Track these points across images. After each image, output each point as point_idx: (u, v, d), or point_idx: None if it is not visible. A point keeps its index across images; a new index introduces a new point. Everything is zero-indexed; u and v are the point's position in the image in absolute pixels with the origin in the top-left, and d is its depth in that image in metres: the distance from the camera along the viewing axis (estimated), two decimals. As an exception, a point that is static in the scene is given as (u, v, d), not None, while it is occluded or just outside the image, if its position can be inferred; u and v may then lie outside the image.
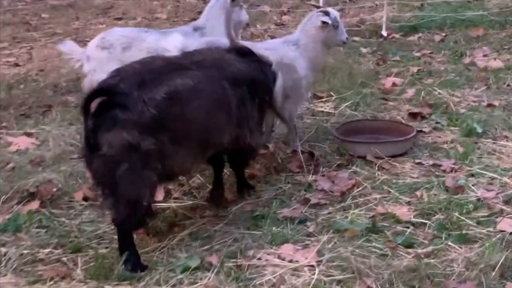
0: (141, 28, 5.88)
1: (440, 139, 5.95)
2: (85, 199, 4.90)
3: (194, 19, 11.33)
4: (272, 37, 9.52)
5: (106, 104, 3.83)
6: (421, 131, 6.08)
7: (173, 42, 5.65)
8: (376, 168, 5.33)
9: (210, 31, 5.82)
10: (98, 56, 5.53)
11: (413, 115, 6.47)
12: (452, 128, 6.17)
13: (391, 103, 6.95)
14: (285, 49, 5.68)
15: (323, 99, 7.14)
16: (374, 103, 6.90)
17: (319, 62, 5.89)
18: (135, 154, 3.81)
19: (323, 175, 5.21)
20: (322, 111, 6.77)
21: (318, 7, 6.00)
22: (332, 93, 7.22)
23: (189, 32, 5.86)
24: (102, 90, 3.91)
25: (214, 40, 5.49)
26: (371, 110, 6.72)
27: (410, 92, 7.20)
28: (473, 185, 5.01)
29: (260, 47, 5.48)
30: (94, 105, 3.80)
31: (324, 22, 5.60)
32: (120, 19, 11.95)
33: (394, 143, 5.64)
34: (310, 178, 5.17)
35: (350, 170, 5.32)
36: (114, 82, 3.92)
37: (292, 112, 5.78)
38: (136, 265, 3.97)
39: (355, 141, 5.66)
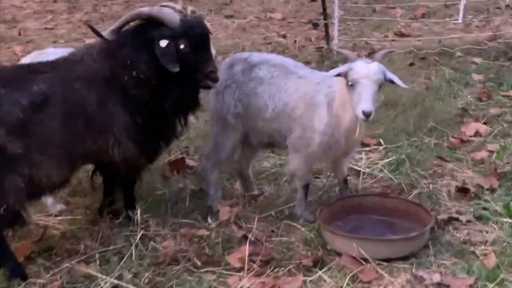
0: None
1: (477, 236, 4.13)
2: None
3: (311, 22, 10.15)
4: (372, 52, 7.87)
5: None
6: (456, 219, 4.27)
7: None
8: (346, 280, 3.69)
9: None
10: None
11: (463, 191, 4.63)
12: (505, 219, 4.27)
13: (450, 165, 5.12)
14: (318, 88, 4.21)
15: (368, 148, 5.48)
16: (426, 163, 5.12)
17: (345, 126, 4.08)
18: (1, 156, 3.53)
19: (263, 282, 3.69)
20: (352, 168, 5.12)
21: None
22: (382, 141, 5.53)
23: None
24: None
25: None
26: (415, 174, 4.96)
27: (488, 149, 5.32)
28: (471, 336, 3.24)
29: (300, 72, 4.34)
30: None
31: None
32: (230, 16, 10.82)
33: (388, 242, 3.94)
34: (246, 282, 3.68)
35: (309, 278, 3.73)
36: None
37: (298, 168, 4.33)
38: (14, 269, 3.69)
39: (335, 232, 4.02)
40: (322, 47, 8.45)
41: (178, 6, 4.07)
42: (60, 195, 4.63)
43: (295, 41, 8.90)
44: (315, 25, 8.66)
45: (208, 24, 4.39)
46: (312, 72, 4.43)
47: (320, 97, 4.17)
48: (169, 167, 5.04)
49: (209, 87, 4.09)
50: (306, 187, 4.38)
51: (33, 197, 3.87)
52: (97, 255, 3.89)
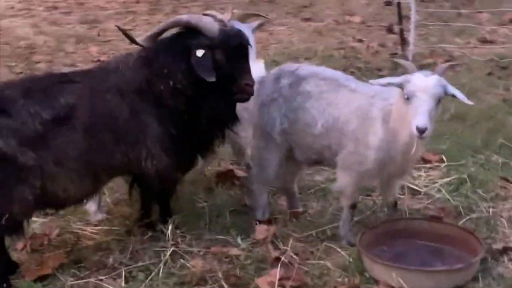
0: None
1: (537, 270, 3.76)
2: None
3: (388, 27, 9.76)
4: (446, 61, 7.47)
5: None
6: (507, 249, 3.92)
7: None
8: (380, 313, 3.44)
9: None
10: None
11: (523, 216, 4.26)
12: None
13: (516, 186, 4.74)
14: (373, 101, 3.92)
15: (429, 165, 5.14)
16: (489, 184, 4.74)
17: (402, 142, 3.74)
18: (10, 166, 3.45)
19: (290, 310, 3.48)
20: (408, 186, 4.80)
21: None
22: (445, 158, 5.18)
23: None
24: None
25: None
26: (476, 195, 4.60)
27: (561, 170, 4.88)
28: None
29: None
30: None
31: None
32: (307, 20, 10.59)
33: (431, 273, 3.64)
34: (272, 310, 3.48)
35: (341, 307, 3.49)
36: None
37: (346, 186, 4.06)
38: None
39: (374, 259, 3.74)
40: (396, 53, 8.11)
41: (221, 16, 3.90)
42: (104, 203, 4.58)
43: (370, 46, 8.59)
44: (390, 30, 8.30)
45: (250, 35, 4.21)
46: (365, 85, 4.14)
47: (375, 111, 3.89)
48: (216, 178, 4.89)
49: (244, 101, 3.90)
50: (352, 206, 4.12)
51: (51, 208, 3.86)
52: (124, 271, 3.77)
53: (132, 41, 3.86)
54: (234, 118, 3.97)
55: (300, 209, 4.47)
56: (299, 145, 4.18)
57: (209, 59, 3.70)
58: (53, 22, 11.13)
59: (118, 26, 4.12)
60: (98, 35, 10.07)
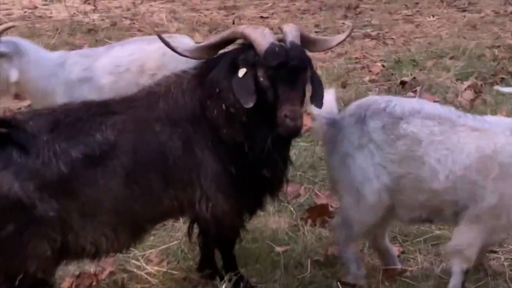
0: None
1: None
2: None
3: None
4: None
5: (3, 139, 2.90)
6: None
7: None
8: None
9: None
10: None
11: None
12: None
13: None
14: (503, 138, 3.12)
15: None
16: None
17: None
18: (26, 216, 2.85)
19: None
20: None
21: None
22: None
23: None
24: (3, 121, 3.02)
25: None
26: None
27: None
28: None
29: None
30: None
31: None
32: (463, 10, 9.40)
33: None
34: None
35: None
36: (23, 118, 3.05)
37: (470, 245, 3.23)
38: None
39: None
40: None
41: (291, 28, 3.08)
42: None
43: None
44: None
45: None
46: (486, 121, 3.22)
47: (508, 156, 3.09)
48: (306, 213, 4.11)
49: (287, 138, 3.08)
50: (467, 272, 3.25)
51: (79, 260, 3.25)
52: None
53: (173, 50, 3.17)
54: (281, 159, 3.19)
55: (398, 267, 3.59)
56: (407, 203, 3.32)
57: (250, 80, 2.96)
58: (192, 8, 10.76)
59: (157, 33, 3.48)
60: (233, 23, 9.56)
